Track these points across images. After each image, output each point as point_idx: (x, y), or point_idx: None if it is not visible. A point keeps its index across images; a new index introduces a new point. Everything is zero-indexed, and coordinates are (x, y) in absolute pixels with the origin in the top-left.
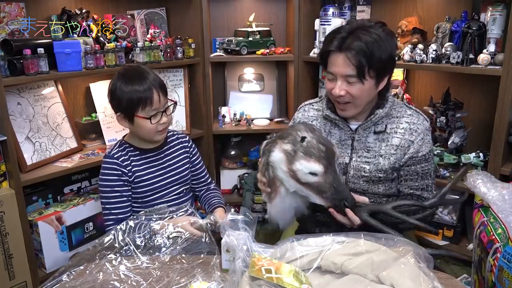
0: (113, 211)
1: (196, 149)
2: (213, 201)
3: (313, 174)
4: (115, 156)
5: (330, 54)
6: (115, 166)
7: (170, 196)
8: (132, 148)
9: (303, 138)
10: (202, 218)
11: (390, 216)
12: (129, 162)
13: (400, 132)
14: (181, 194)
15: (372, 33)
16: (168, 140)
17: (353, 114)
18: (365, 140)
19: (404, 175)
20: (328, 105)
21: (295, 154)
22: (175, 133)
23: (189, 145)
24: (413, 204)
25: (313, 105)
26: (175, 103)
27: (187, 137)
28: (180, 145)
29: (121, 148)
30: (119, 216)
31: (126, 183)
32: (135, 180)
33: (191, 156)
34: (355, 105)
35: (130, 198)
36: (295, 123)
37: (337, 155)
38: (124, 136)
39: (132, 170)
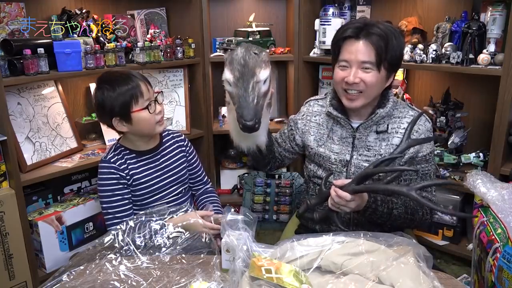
0: (117, 215)
1: (192, 148)
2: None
3: (228, 82)
4: (111, 160)
5: (346, 41)
6: (113, 170)
7: (169, 197)
8: (128, 151)
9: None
10: None
11: (374, 175)
12: (126, 165)
13: (401, 132)
14: (180, 194)
15: (387, 27)
16: (163, 140)
17: (361, 105)
18: (365, 139)
19: (403, 175)
20: (331, 102)
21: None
22: (170, 132)
23: (185, 143)
24: (387, 158)
25: (318, 101)
26: (161, 92)
27: (183, 136)
28: (176, 145)
29: (116, 152)
30: (124, 219)
31: (125, 185)
32: (134, 183)
33: (187, 155)
34: (365, 96)
35: (131, 200)
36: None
37: (257, 77)
38: (118, 140)
39: (130, 173)
